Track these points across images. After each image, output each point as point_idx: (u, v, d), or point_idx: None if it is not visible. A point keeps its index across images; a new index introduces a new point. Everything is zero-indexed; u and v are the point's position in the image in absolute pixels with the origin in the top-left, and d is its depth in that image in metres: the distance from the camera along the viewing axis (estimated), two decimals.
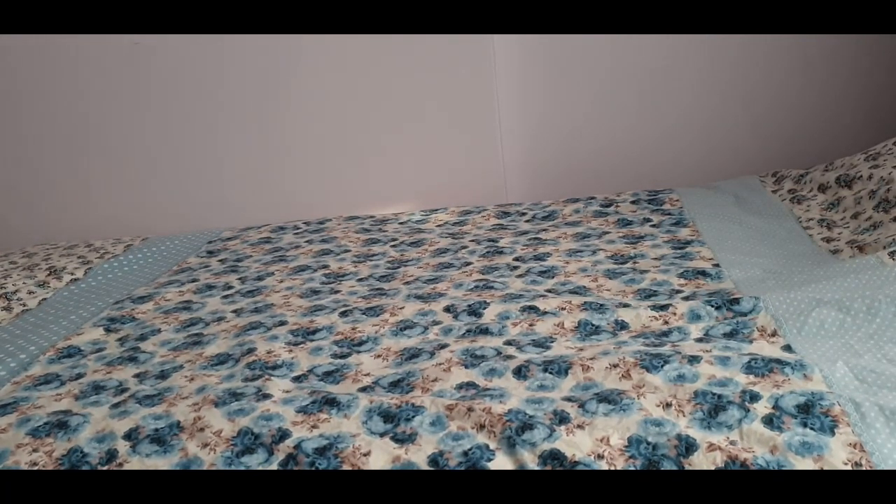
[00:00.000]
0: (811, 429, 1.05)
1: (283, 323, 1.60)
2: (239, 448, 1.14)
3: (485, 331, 1.46)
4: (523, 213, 2.27)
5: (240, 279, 1.96)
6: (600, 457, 1.04)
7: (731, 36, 2.55)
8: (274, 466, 1.10)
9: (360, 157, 2.75)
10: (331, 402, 1.21)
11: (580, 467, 1.02)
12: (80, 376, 1.46)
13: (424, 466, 1.06)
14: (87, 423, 1.24)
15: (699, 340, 1.34)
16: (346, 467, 1.07)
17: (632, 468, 1.02)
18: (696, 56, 2.63)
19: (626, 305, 1.49)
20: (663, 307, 1.46)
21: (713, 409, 1.11)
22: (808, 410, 1.08)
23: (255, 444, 1.14)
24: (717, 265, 1.67)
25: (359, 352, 1.44)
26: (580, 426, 1.09)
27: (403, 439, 1.12)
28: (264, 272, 1.99)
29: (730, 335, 1.34)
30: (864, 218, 1.82)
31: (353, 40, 2.57)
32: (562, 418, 1.11)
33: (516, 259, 1.87)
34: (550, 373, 1.25)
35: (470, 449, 1.08)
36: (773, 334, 1.32)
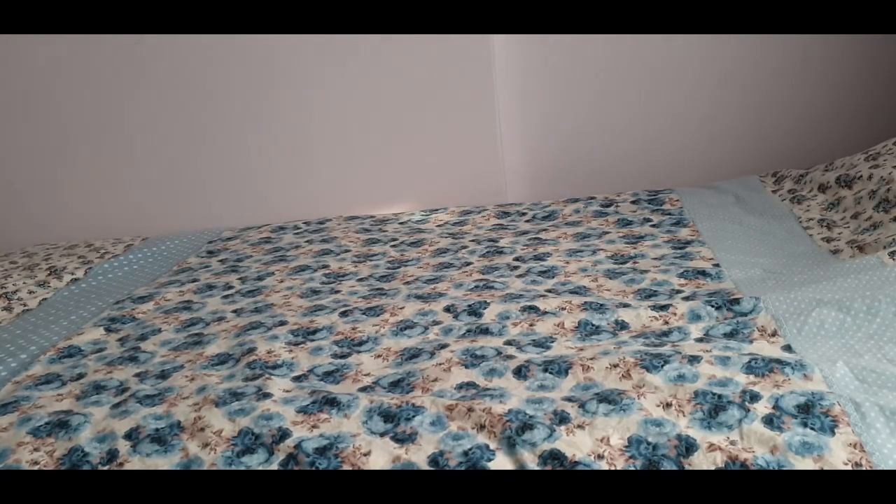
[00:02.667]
0: (811, 429, 1.05)
1: (283, 323, 1.60)
2: (239, 448, 1.14)
3: (485, 331, 1.46)
4: (523, 213, 2.27)
5: (240, 279, 1.96)
6: (600, 457, 1.04)
7: (730, 36, 2.55)
8: (274, 466, 1.10)
9: (360, 157, 2.75)
10: (331, 402, 1.21)
11: (580, 467, 1.02)
12: (80, 376, 1.46)
13: (425, 466, 1.07)
14: (88, 423, 1.24)
15: (699, 340, 1.34)
16: (346, 467, 1.07)
17: (632, 468, 1.02)
18: (695, 56, 2.63)
19: (626, 305, 1.49)
20: (663, 307, 1.46)
21: (713, 409, 1.11)
22: (809, 410, 1.08)
23: (256, 444, 1.14)
24: (717, 265, 1.67)
25: (359, 352, 1.44)
26: (580, 426, 1.09)
27: (403, 439, 1.12)
28: (264, 272, 1.99)
29: (730, 335, 1.34)
30: (864, 218, 1.82)
31: (353, 41, 2.57)
32: (562, 418, 1.11)
33: (516, 259, 1.87)
34: (550, 373, 1.25)
35: (470, 449, 1.08)
36: (774, 334, 1.32)
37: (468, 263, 1.88)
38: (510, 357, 1.33)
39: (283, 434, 1.15)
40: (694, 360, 1.22)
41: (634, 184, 2.70)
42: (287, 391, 1.29)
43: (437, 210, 2.44)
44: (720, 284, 1.57)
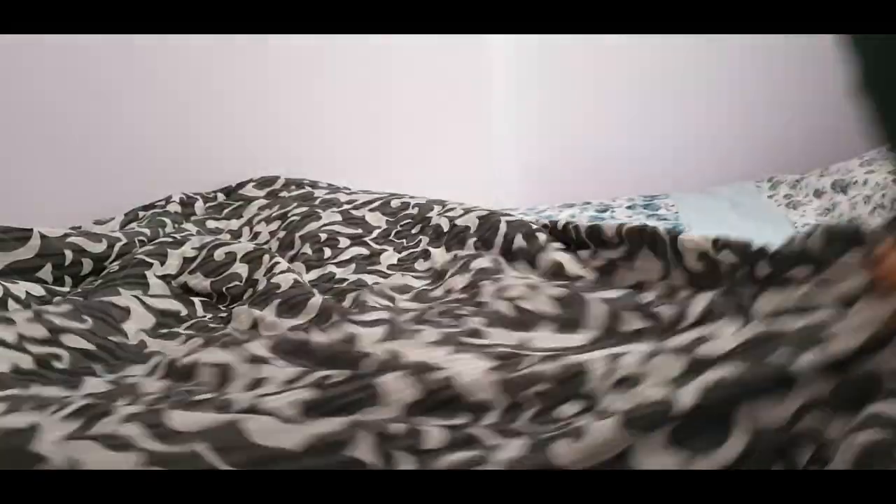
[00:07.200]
0: None
1: None
2: None
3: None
4: None
5: None
6: None
7: (727, 40, 2.56)
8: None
9: (356, 160, 2.74)
10: None
11: None
12: None
13: None
14: None
15: None
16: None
17: None
18: (692, 60, 2.64)
19: None
20: None
21: None
22: None
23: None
24: None
25: None
26: None
27: None
28: None
29: None
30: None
31: (347, 42, 2.56)
32: None
33: None
34: None
35: None
36: None
37: None
38: None
39: None
40: None
41: (630, 188, 2.70)
42: None
43: None
44: None
